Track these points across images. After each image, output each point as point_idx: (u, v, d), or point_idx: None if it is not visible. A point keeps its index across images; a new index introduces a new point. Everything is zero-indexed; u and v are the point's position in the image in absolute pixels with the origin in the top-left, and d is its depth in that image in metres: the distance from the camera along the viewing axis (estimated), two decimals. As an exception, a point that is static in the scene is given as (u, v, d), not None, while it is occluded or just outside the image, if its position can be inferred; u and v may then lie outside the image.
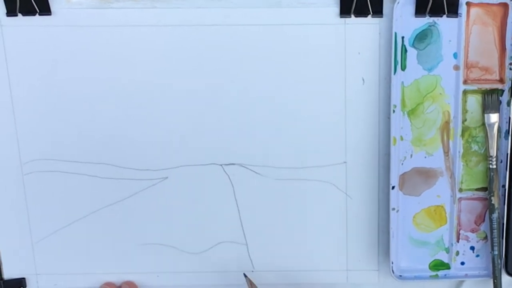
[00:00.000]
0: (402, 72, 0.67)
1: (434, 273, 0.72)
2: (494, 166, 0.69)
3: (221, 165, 0.70)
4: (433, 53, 0.67)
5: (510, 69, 0.67)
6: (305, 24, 0.66)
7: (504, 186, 0.69)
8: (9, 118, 0.69)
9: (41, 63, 0.68)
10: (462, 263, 0.72)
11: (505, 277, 0.72)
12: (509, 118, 0.68)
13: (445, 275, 0.73)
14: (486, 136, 0.68)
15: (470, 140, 0.69)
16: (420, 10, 0.65)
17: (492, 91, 0.68)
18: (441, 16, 0.65)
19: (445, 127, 0.69)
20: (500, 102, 0.68)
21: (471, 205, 0.71)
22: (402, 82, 0.67)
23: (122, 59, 0.68)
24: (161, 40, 0.67)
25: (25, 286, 0.74)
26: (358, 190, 0.71)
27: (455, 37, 0.66)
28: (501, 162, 0.69)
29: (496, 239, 0.70)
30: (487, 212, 0.71)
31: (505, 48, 0.66)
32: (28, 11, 0.66)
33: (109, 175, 0.71)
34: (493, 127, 0.68)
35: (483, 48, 0.67)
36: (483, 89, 0.68)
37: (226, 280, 0.74)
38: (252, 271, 0.73)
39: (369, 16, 0.66)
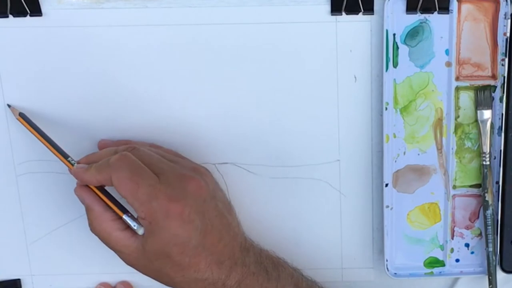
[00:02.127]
0: (394, 69, 0.67)
1: (429, 271, 0.72)
2: (488, 163, 0.69)
3: (214, 164, 0.70)
4: (425, 50, 0.67)
5: (502, 65, 0.66)
6: (296, 22, 0.66)
7: (498, 182, 0.69)
8: (2, 119, 0.69)
9: (33, 64, 0.68)
10: (457, 260, 0.72)
11: (500, 274, 0.72)
12: (502, 114, 0.67)
13: (440, 272, 0.73)
14: (479, 133, 0.68)
15: (463, 137, 0.69)
16: (411, 7, 0.65)
17: (485, 88, 0.67)
18: (432, 13, 0.65)
19: (438, 124, 0.69)
20: (493, 98, 0.68)
21: (465, 202, 0.71)
22: (394, 79, 0.67)
23: (114, 59, 0.68)
24: (153, 40, 0.67)
25: (21, 287, 0.74)
26: (351, 188, 0.71)
27: (447, 34, 0.66)
28: (495, 158, 0.69)
29: (490, 235, 0.70)
30: (481, 209, 0.70)
31: (497, 44, 0.66)
32: (19, 12, 0.66)
33: (103, 176, 0.71)
34: (486, 124, 0.68)
35: (475, 44, 0.67)
36: (476, 85, 0.68)
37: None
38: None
39: (360, 13, 0.66)
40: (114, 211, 0.62)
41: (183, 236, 0.59)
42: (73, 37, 0.67)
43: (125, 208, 0.62)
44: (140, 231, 0.61)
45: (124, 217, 0.61)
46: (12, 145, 0.70)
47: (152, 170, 0.60)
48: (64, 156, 0.65)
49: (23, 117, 0.67)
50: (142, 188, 0.59)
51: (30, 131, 0.66)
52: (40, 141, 0.66)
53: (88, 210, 0.63)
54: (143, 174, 0.60)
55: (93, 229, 0.63)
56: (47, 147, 0.66)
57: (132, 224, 0.61)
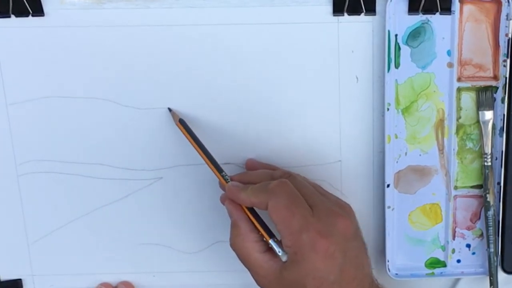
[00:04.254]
0: (396, 70, 0.67)
1: (430, 271, 0.72)
2: (489, 164, 0.69)
3: (216, 164, 0.70)
4: (427, 51, 0.67)
5: (504, 66, 0.66)
6: (298, 22, 0.66)
7: (499, 183, 0.69)
8: (4, 120, 0.69)
9: (34, 64, 0.68)
10: (458, 261, 0.72)
11: (501, 275, 0.72)
12: (504, 115, 0.67)
13: (441, 273, 0.73)
14: (480, 134, 0.68)
15: (464, 137, 0.69)
16: (413, 8, 0.65)
17: (486, 88, 0.68)
18: (434, 14, 0.65)
19: (440, 125, 0.69)
20: (494, 99, 0.68)
21: (466, 203, 0.71)
22: (396, 80, 0.67)
23: (116, 59, 0.68)
24: (155, 40, 0.67)
25: (22, 287, 0.74)
26: (353, 189, 0.71)
27: (449, 35, 0.66)
28: (496, 159, 0.69)
29: (491, 236, 0.70)
30: (483, 210, 0.70)
31: (499, 45, 0.66)
32: (21, 12, 0.66)
33: (104, 176, 0.71)
34: (487, 124, 0.68)
35: (476, 45, 0.67)
36: (477, 86, 0.68)
37: (222, 279, 0.74)
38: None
39: (362, 14, 0.66)
40: (258, 232, 0.62)
41: (324, 271, 0.59)
42: (75, 37, 0.67)
43: (271, 232, 0.62)
44: (284, 258, 0.61)
45: (271, 241, 0.61)
46: (13, 145, 0.70)
47: (306, 201, 0.61)
48: (219, 170, 0.65)
49: (182, 124, 0.67)
50: (296, 218, 0.59)
51: (187, 138, 0.66)
52: (196, 150, 0.66)
53: (234, 226, 0.63)
54: (299, 204, 0.60)
55: (234, 245, 0.63)
56: (202, 158, 0.66)
57: (277, 249, 0.61)
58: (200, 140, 0.66)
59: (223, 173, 0.65)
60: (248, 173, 0.68)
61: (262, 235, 0.62)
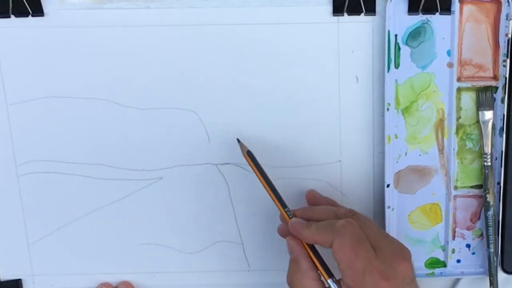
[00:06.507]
0: (396, 70, 0.67)
1: (430, 271, 0.73)
2: (489, 164, 0.69)
3: (216, 164, 0.70)
4: (427, 51, 0.67)
5: (504, 66, 0.67)
6: (298, 23, 0.66)
7: (499, 183, 0.69)
8: (4, 120, 0.69)
9: (34, 64, 0.68)
10: (458, 261, 0.72)
11: (501, 275, 0.72)
12: (503, 115, 0.67)
13: (441, 273, 0.73)
14: (480, 134, 0.68)
15: (464, 137, 0.69)
16: (413, 8, 0.65)
17: (486, 88, 0.68)
18: (434, 14, 0.65)
19: (440, 125, 0.69)
20: (494, 99, 0.68)
21: (466, 203, 0.71)
22: (396, 80, 0.67)
23: (116, 60, 0.68)
24: (155, 40, 0.67)
25: (22, 287, 0.74)
26: (353, 189, 0.71)
27: (449, 35, 0.66)
28: (496, 159, 0.69)
29: (491, 236, 0.70)
30: (483, 210, 0.70)
31: (499, 45, 0.66)
32: (20, 12, 0.66)
33: (104, 176, 0.71)
34: (487, 125, 0.68)
35: (476, 45, 0.67)
36: (477, 86, 0.68)
37: (222, 279, 0.74)
38: (248, 271, 0.73)
39: (362, 14, 0.66)
40: (317, 271, 0.62)
41: None
42: (75, 37, 0.67)
43: (330, 271, 0.62)
44: None
45: (329, 281, 0.61)
46: (13, 145, 0.70)
47: (369, 241, 0.61)
48: (283, 205, 0.65)
49: (250, 156, 0.67)
50: (360, 259, 0.59)
51: (253, 170, 0.66)
52: (262, 184, 0.66)
53: (294, 262, 0.63)
54: (363, 245, 0.60)
55: (291, 281, 0.63)
56: (267, 192, 0.66)
57: None
58: (266, 172, 0.66)
59: (287, 208, 0.65)
60: (311, 209, 0.67)
61: (320, 274, 0.62)
